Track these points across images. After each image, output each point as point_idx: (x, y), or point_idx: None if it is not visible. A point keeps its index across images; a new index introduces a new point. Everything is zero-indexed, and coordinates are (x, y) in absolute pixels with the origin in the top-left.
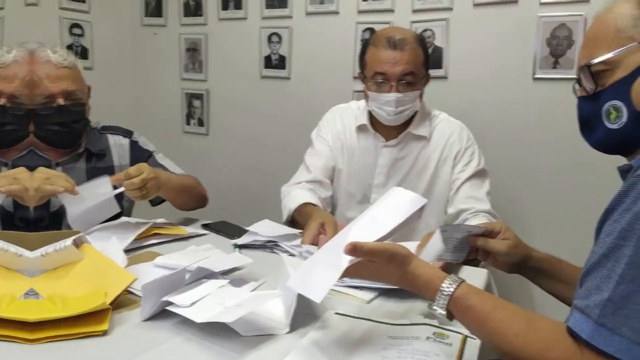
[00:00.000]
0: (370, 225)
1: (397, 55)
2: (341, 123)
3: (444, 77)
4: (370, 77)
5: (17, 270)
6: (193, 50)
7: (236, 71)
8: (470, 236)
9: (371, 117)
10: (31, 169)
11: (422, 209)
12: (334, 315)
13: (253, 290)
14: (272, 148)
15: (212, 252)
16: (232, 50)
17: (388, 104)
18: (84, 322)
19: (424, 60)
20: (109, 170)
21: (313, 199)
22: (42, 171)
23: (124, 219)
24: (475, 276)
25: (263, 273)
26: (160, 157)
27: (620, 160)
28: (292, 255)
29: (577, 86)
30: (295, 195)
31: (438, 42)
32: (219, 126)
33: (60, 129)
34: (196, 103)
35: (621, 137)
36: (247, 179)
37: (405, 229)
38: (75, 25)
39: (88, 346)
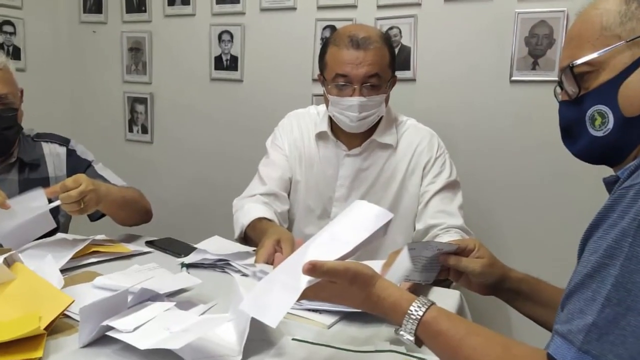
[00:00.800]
0: (331, 243)
1: (361, 55)
2: (299, 130)
3: (412, 80)
4: (331, 79)
5: None
6: (136, 50)
7: (183, 73)
8: (440, 254)
9: (332, 123)
10: None
11: (388, 224)
12: (291, 341)
13: (202, 313)
14: (223, 157)
15: (156, 272)
16: (179, 50)
17: (350, 109)
18: (17, 349)
19: (390, 60)
20: (44, 182)
21: (268, 214)
22: None
23: (60, 235)
24: (446, 298)
25: (213, 295)
26: (99, 168)
27: (606, 171)
28: (244, 275)
29: (558, 89)
30: (248, 209)
31: (405, 41)
32: (164, 133)
33: None
34: (139, 108)
35: (607, 146)
36: (196, 192)
37: (369, 246)
38: (7, 23)
39: None
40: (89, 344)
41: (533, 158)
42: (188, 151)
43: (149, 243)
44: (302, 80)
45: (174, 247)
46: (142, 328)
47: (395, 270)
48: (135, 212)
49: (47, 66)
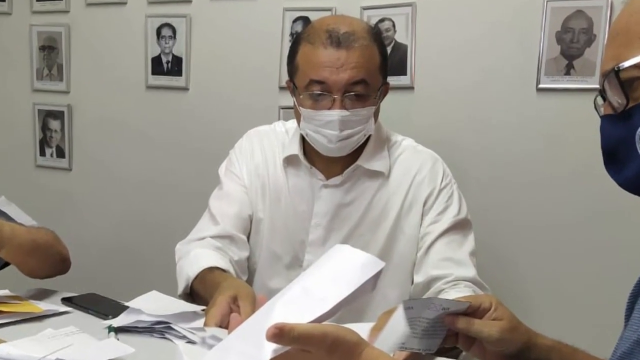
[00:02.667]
0: (304, 300)
1: (342, 56)
2: (262, 153)
3: (410, 88)
4: (304, 87)
5: None
6: (50, 49)
7: (112, 79)
8: (446, 315)
9: (305, 144)
10: None
11: (377, 275)
12: None
13: None
14: (163, 188)
15: (76, 338)
16: (105, 49)
17: (329, 126)
18: None
19: (381, 63)
20: None
21: (221, 262)
22: None
23: None
24: None
25: None
26: (2, 202)
27: None
28: (191, 342)
29: (600, 100)
30: (195, 256)
31: (401, 38)
32: (86, 157)
33: None
34: (54, 124)
35: None
36: (127, 234)
37: (354, 304)
38: None
39: None
40: None
41: (567, 190)
42: (117, 180)
43: (67, 300)
44: (267, 88)
45: (99, 305)
46: None
47: (387, 335)
48: (48, 260)
49: None
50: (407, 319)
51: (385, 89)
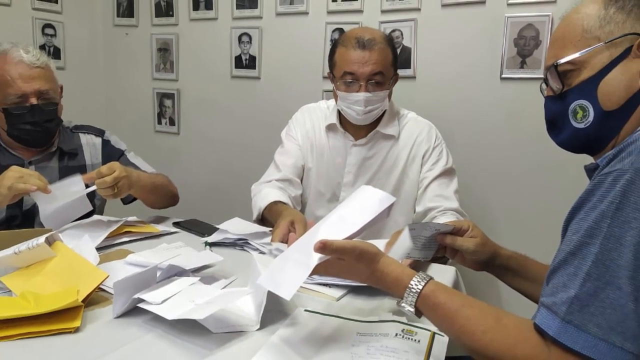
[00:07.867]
0: (340, 224)
1: (366, 55)
2: (310, 122)
3: (413, 77)
4: (340, 76)
5: None
6: (164, 51)
7: (207, 71)
8: (438, 234)
9: (340, 116)
10: (3, 167)
11: (390, 207)
12: (303, 312)
13: (224, 287)
14: (242, 147)
15: (183, 250)
16: (202, 50)
17: (357, 104)
18: (57, 320)
19: (393, 60)
20: (81, 169)
21: (283, 198)
22: (14, 169)
23: (95, 217)
24: (443, 274)
25: (233, 271)
26: (131, 156)
27: (587, 160)
28: (262, 253)
29: (544, 86)
30: (265, 193)
31: (406, 42)
32: (189, 125)
33: (32, 128)
34: (167, 102)
35: (588, 136)
36: (218, 178)
37: (373, 227)
38: (48, 26)
39: (60, 343)
40: (122, 315)
41: (522, 148)
42: (211, 142)
43: (176, 224)
44: (314, 77)
45: (198, 227)
46: (169, 300)
47: (397, 248)
48: (163, 196)
49: (84, 65)
50: (411, 237)
51: (395, 78)
